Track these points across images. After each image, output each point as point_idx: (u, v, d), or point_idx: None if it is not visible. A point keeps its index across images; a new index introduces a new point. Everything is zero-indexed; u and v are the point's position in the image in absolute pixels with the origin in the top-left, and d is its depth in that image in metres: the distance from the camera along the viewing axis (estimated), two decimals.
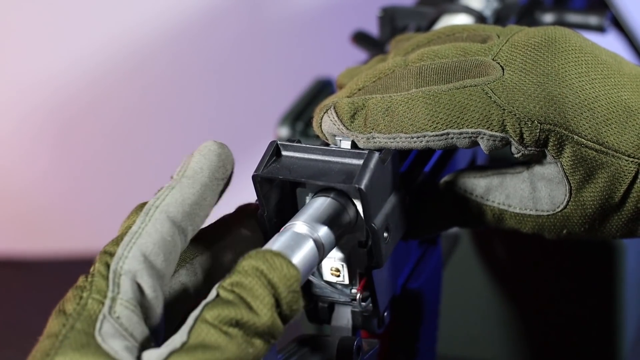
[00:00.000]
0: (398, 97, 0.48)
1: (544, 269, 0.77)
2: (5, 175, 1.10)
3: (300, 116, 0.77)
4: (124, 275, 0.43)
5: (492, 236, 0.77)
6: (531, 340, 0.80)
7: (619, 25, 0.81)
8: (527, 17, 0.70)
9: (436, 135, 0.47)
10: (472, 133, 0.47)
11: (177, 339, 0.41)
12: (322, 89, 0.80)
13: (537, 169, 0.49)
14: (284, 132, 0.76)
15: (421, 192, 0.51)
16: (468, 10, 0.65)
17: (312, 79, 0.81)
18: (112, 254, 0.43)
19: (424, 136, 0.48)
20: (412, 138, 0.48)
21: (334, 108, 0.49)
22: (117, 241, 0.44)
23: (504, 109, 0.47)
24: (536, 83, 0.47)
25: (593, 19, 0.70)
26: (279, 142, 0.47)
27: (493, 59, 0.49)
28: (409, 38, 0.56)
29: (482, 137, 0.47)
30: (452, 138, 0.48)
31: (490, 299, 0.79)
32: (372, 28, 0.70)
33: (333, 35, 1.01)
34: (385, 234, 0.47)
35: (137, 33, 1.05)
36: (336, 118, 0.48)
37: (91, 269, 0.44)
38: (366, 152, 0.46)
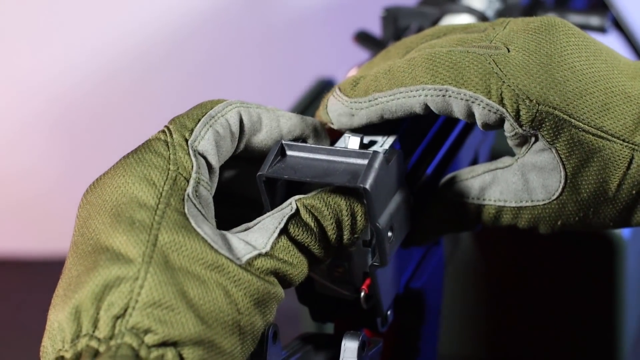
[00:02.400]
0: (399, 60, 0.49)
1: (544, 268, 0.77)
2: (7, 175, 1.10)
3: (306, 114, 0.77)
4: (200, 156, 0.45)
5: (492, 236, 0.78)
6: (531, 340, 0.80)
7: (619, 26, 0.81)
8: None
9: (435, 89, 0.47)
10: (470, 96, 0.47)
11: (259, 242, 0.44)
12: (323, 89, 0.80)
13: (527, 159, 0.49)
14: None
15: (419, 201, 0.52)
16: (470, 10, 0.65)
17: (313, 78, 0.82)
18: (189, 130, 0.45)
19: (423, 89, 0.47)
20: (411, 91, 0.48)
21: (338, 87, 0.50)
22: (192, 117, 0.46)
23: (503, 82, 0.46)
24: (539, 63, 0.47)
25: (594, 20, 0.70)
26: (283, 142, 0.47)
27: (492, 42, 0.48)
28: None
29: (479, 104, 0.47)
30: (450, 97, 0.47)
31: (490, 299, 0.79)
32: (375, 28, 0.70)
33: (335, 35, 1.01)
34: (390, 234, 0.47)
35: (138, 34, 1.05)
36: (339, 92, 0.49)
37: (165, 137, 0.45)
38: (371, 152, 0.46)
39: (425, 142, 0.53)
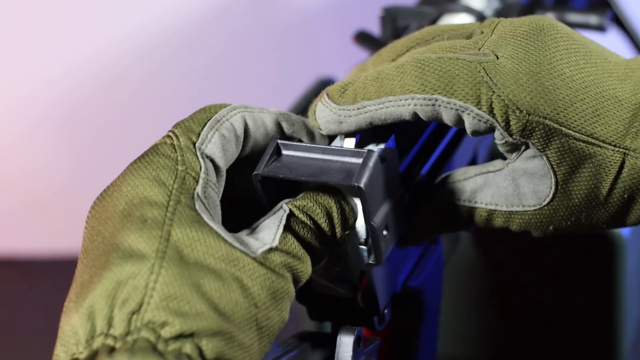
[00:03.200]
0: (388, 66, 0.49)
1: (544, 268, 0.77)
2: (10, 175, 1.10)
3: (302, 116, 0.77)
4: (207, 159, 0.45)
5: (492, 236, 0.78)
6: (531, 340, 0.80)
7: (621, 24, 0.81)
8: None
9: (424, 99, 0.47)
10: (460, 106, 0.46)
11: (267, 239, 0.44)
12: (322, 89, 0.80)
13: (518, 164, 0.49)
14: None
15: (414, 200, 0.52)
16: (469, 10, 0.65)
17: (313, 78, 0.82)
18: (195, 133, 0.45)
19: (412, 98, 0.47)
20: (400, 100, 0.47)
21: (326, 92, 0.50)
22: (197, 121, 0.46)
23: (493, 92, 0.46)
24: (529, 72, 0.47)
25: (593, 19, 0.70)
26: (279, 142, 0.47)
27: (480, 50, 0.48)
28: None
29: (469, 114, 0.47)
30: (440, 106, 0.47)
31: (490, 298, 0.79)
32: (374, 28, 0.71)
33: (335, 35, 1.01)
34: (385, 232, 0.48)
35: (140, 35, 1.05)
36: (327, 99, 0.49)
37: (171, 140, 0.45)
38: (365, 151, 0.46)
39: (421, 142, 0.54)
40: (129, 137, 1.08)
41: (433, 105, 0.47)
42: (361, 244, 0.48)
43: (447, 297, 0.62)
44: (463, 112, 0.47)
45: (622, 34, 0.82)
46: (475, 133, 0.47)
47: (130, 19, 1.05)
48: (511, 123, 0.46)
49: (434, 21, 0.66)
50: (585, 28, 0.70)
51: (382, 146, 0.49)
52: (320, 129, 0.50)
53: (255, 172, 0.46)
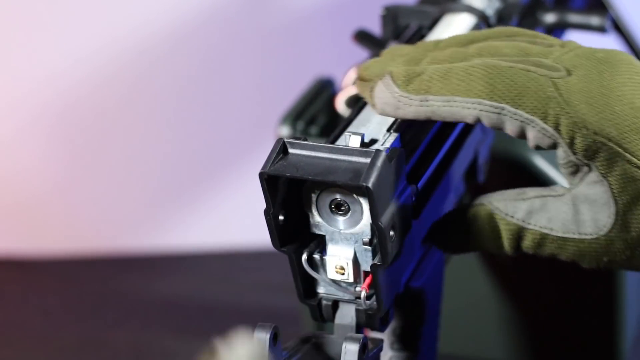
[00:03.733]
0: (459, 65, 0.49)
1: (545, 268, 0.77)
2: (7, 176, 1.10)
3: (301, 116, 0.77)
4: None
5: None
6: (531, 340, 0.80)
7: (618, 28, 0.81)
8: (529, 17, 0.70)
9: (491, 106, 0.47)
10: (526, 118, 0.47)
11: None
12: (322, 89, 0.80)
13: (581, 189, 0.49)
14: (285, 131, 0.77)
15: (452, 214, 0.51)
16: (470, 9, 0.65)
17: (312, 78, 0.82)
18: None
19: (479, 103, 0.47)
20: (467, 103, 0.48)
21: (390, 75, 0.49)
22: None
23: (562, 108, 0.47)
24: (599, 94, 0.47)
25: (595, 20, 0.70)
26: (285, 140, 0.47)
27: (554, 62, 0.48)
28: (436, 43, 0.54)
29: (534, 127, 0.47)
30: (505, 115, 0.47)
31: (490, 299, 0.79)
32: (374, 27, 0.70)
33: (334, 34, 1.01)
34: (392, 233, 0.47)
35: (137, 35, 1.05)
36: (391, 82, 0.49)
37: None
38: (373, 150, 0.46)
39: (427, 141, 0.53)
40: (125, 136, 1.08)
41: (499, 113, 0.47)
42: (366, 244, 0.48)
43: (447, 297, 0.62)
44: (528, 124, 0.47)
45: (619, 38, 0.82)
46: (538, 147, 0.48)
47: (126, 18, 1.04)
48: (576, 141, 0.47)
49: (435, 20, 0.65)
50: (587, 29, 0.70)
51: (387, 145, 0.49)
52: (374, 106, 0.50)
53: (261, 171, 0.46)
